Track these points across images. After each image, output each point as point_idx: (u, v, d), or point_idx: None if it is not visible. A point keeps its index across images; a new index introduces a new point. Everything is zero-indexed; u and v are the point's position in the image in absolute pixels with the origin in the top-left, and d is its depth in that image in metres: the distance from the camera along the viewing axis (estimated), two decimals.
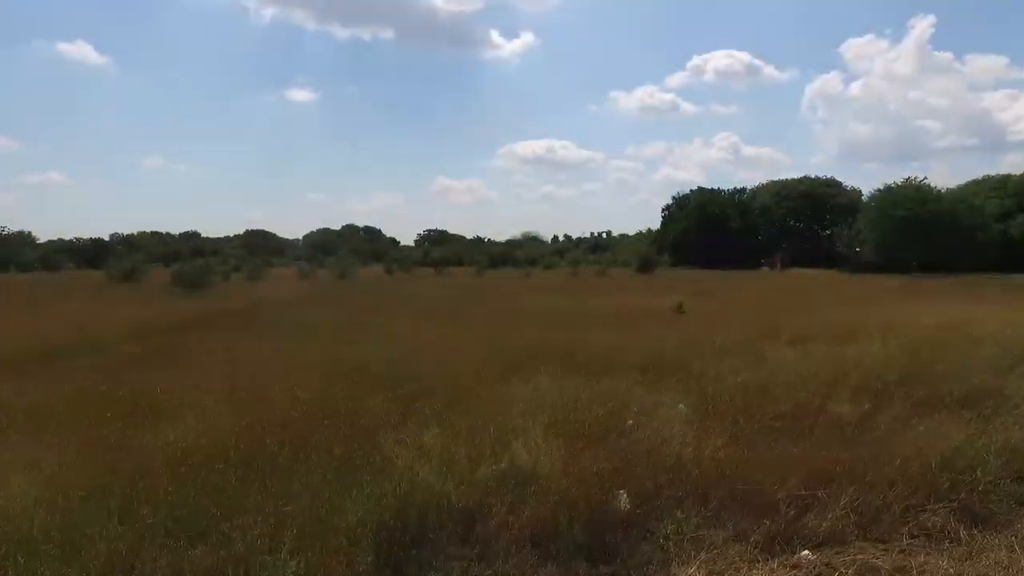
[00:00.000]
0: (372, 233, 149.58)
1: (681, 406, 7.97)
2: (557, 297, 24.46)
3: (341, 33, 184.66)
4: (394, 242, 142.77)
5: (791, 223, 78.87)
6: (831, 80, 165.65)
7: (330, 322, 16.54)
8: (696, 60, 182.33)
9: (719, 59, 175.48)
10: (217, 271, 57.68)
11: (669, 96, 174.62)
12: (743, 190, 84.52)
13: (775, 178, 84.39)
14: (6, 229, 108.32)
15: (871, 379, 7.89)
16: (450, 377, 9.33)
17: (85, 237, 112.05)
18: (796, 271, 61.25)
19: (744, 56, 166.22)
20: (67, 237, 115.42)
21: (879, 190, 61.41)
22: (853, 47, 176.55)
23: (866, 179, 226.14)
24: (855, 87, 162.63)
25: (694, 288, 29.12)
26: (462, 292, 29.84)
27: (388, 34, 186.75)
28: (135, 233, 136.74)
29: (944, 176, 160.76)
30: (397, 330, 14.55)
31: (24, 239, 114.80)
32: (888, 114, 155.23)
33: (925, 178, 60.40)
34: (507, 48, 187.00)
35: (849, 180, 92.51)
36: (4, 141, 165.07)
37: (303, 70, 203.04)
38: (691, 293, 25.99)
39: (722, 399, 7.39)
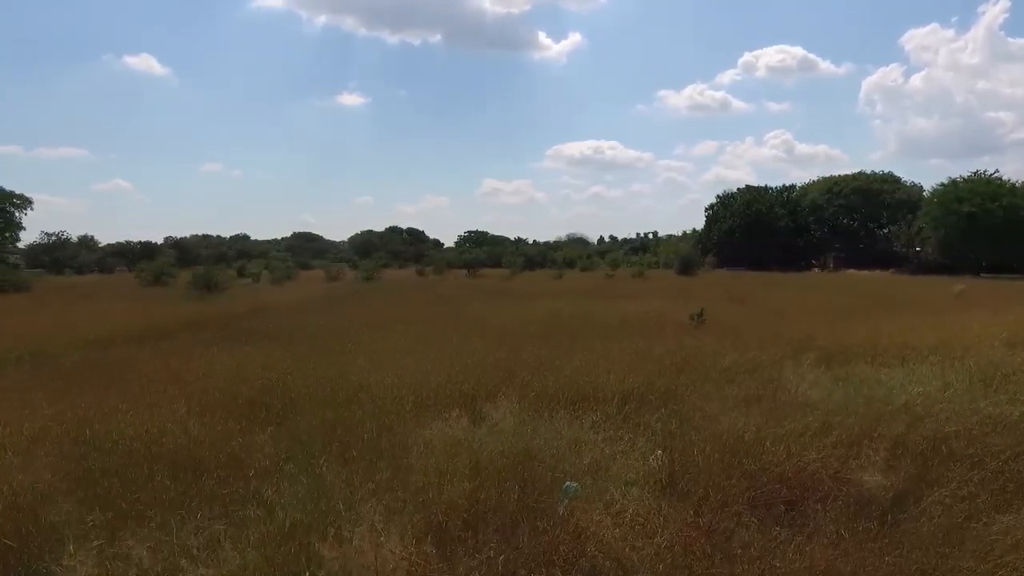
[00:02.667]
0: (415, 235, 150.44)
1: (658, 453, 6.05)
2: (571, 302, 22.45)
3: (391, 39, 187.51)
4: (437, 244, 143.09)
5: (844, 221, 74.31)
6: (890, 73, 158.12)
7: (306, 329, 15.04)
8: (747, 57, 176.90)
9: (771, 55, 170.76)
10: (250, 273, 57.95)
11: (719, 94, 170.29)
12: (792, 187, 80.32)
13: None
14: (65, 234, 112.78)
15: (920, 429, 5.71)
16: (380, 404, 7.61)
17: (146, 241, 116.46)
18: (849, 272, 57.26)
19: (798, 51, 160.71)
20: (131, 240, 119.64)
21: (943, 184, 56.87)
22: (914, 38, 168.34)
23: (929, 175, 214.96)
24: (916, 79, 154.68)
25: (730, 292, 26.63)
26: (472, 294, 28.11)
27: (436, 38, 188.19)
28: (187, 236, 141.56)
29: (1019, 171, 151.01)
30: (365, 340, 12.88)
31: (86, 243, 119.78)
32: (954, 106, 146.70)
33: (996, 171, 55.58)
34: (554, 49, 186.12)
35: (911, 177, 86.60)
36: (77, 151, 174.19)
37: (354, 75, 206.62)
38: (724, 297, 23.61)
39: (701, 452, 5.41)
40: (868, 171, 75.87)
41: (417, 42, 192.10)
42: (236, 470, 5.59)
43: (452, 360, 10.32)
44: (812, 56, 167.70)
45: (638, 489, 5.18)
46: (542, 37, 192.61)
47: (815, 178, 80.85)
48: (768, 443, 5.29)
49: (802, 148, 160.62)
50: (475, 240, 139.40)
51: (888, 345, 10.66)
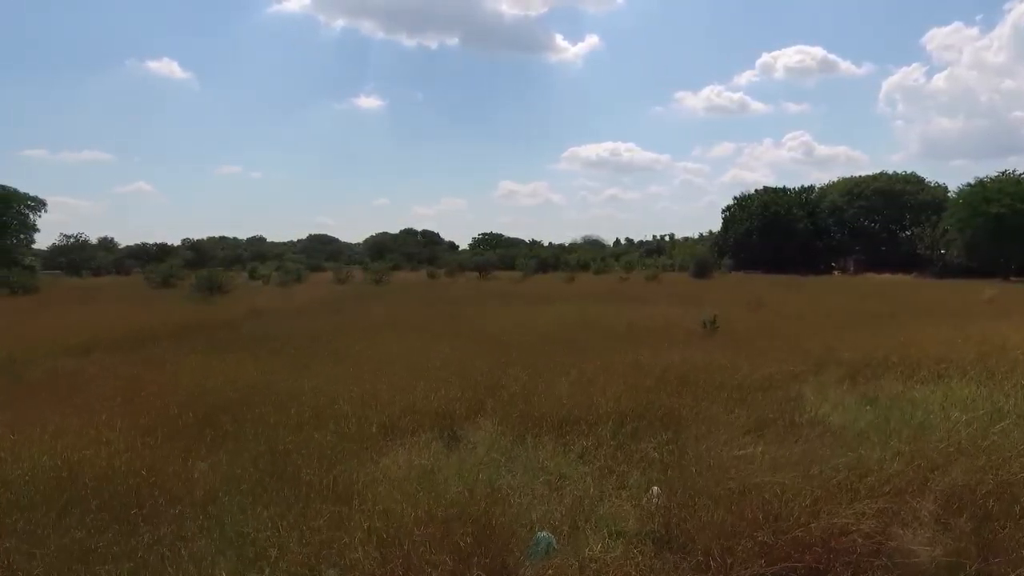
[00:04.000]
0: (430, 237, 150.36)
1: (655, 490, 5.13)
2: (579, 306, 21.49)
3: (408, 41, 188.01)
4: (452, 246, 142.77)
5: (865, 223, 72.36)
6: (912, 73, 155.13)
7: (294, 335, 14.24)
8: (766, 57, 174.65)
9: (790, 55, 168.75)
10: (259, 274, 57.58)
11: (737, 95, 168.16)
12: (811, 188, 78.52)
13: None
14: (83, 235, 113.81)
15: (974, 471, 4.67)
16: (346, 425, 6.75)
17: (162, 243, 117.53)
18: (870, 276, 55.61)
19: (817, 51, 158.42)
20: (147, 242, 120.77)
21: (969, 185, 54.97)
22: (937, 37, 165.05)
23: (952, 176, 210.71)
24: (939, 79, 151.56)
25: (746, 296, 25.49)
26: (478, 297, 27.20)
27: (453, 41, 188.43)
28: (204, 238, 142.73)
29: None
30: (352, 348, 12.04)
31: (105, 245, 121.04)
32: (978, 106, 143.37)
33: None
34: (571, 51, 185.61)
35: (933, 178, 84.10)
36: (101, 155, 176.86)
37: (371, 78, 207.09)
38: (740, 302, 22.52)
39: (703, 494, 4.48)
40: (890, 172, 74.04)
41: (434, 45, 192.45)
42: (157, 509, 4.77)
43: (438, 372, 9.45)
44: (832, 57, 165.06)
45: (626, 543, 4.26)
46: (559, 39, 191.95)
47: (835, 179, 79.09)
48: (785, 489, 4.31)
49: (821, 150, 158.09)
50: (489, 242, 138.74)
51: (920, 358, 9.60)
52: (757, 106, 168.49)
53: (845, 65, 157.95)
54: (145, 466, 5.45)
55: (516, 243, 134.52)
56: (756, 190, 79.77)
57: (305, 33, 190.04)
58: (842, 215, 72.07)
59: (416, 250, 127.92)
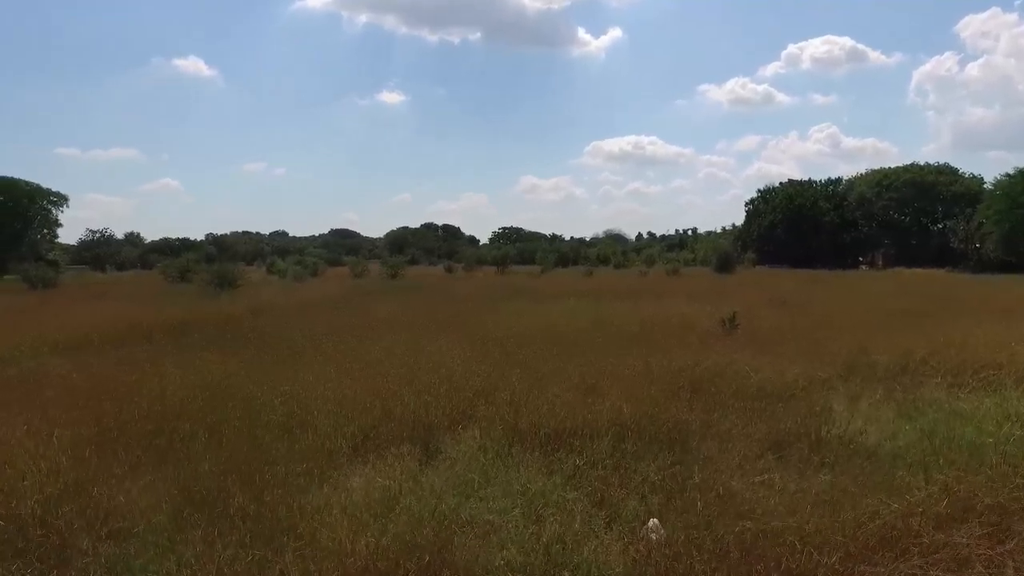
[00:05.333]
0: (450, 231, 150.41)
1: (653, 523, 4.32)
2: (594, 303, 20.59)
3: (430, 37, 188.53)
4: (473, 240, 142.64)
5: (895, 216, 70.02)
6: (944, 62, 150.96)
7: (291, 333, 13.60)
8: (791, 49, 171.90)
9: (817, 46, 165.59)
10: (277, 269, 57.45)
11: (762, 87, 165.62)
12: (838, 180, 76.30)
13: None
14: (108, 231, 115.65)
15: None
16: (318, 434, 6.02)
17: (184, 238, 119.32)
18: (899, 270, 53.68)
19: (845, 41, 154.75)
20: (167, 238, 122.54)
21: (1007, 175, 52.67)
22: (972, 24, 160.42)
23: (988, 168, 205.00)
24: (973, 68, 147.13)
25: (768, 291, 24.34)
26: (492, 292, 26.38)
27: (476, 36, 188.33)
28: (227, 233, 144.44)
29: None
30: (346, 347, 11.32)
31: (131, 240, 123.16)
32: (1016, 95, 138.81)
33: None
34: (594, 45, 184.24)
35: (968, 169, 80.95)
36: (129, 152, 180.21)
37: (394, 74, 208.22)
38: (762, 298, 21.42)
39: (711, 534, 3.64)
40: (922, 163, 71.56)
41: (457, 40, 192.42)
42: (60, 549, 4.07)
43: (429, 374, 8.68)
44: (861, 47, 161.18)
45: None
46: (581, 33, 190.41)
47: (863, 171, 76.79)
48: (808, 538, 3.44)
49: (849, 142, 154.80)
50: (509, 237, 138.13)
51: (964, 362, 8.58)
52: (782, 98, 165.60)
53: (875, 55, 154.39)
54: (67, 490, 4.75)
55: (536, 238, 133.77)
56: (781, 183, 77.86)
57: (328, 29, 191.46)
58: (871, 208, 69.81)
59: (435, 244, 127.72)
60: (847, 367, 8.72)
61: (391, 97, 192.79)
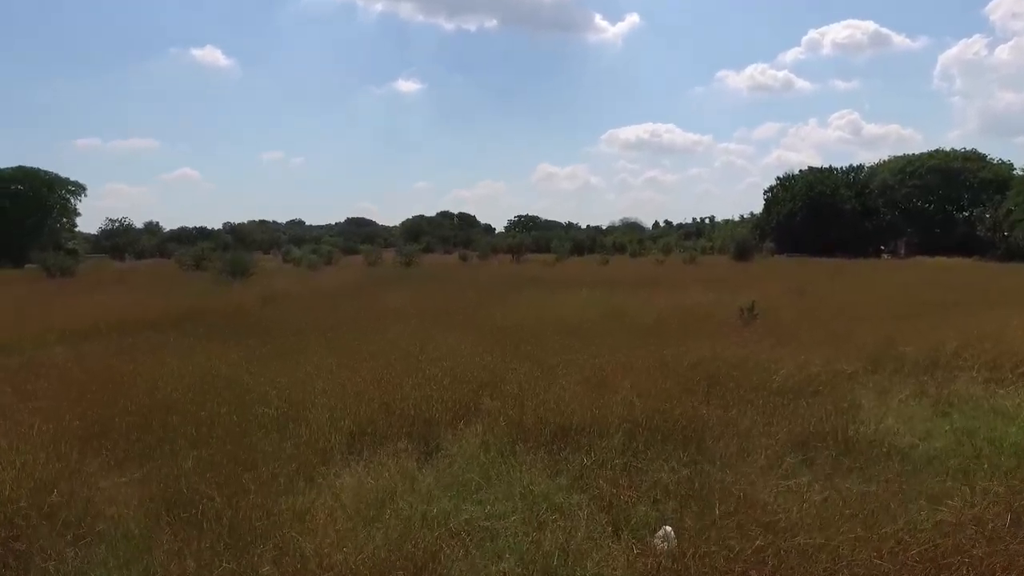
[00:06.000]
0: (466, 219, 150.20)
1: (665, 531, 3.95)
2: (609, 291, 20.12)
3: (447, 24, 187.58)
4: (489, 228, 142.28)
5: (918, 204, 68.34)
6: (972, 45, 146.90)
7: (297, 322, 13.34)
8: (812, 34, 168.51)
9: (838, 31, 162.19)
10: (292, 257, 57.49)
11: (782, 73, 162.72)
12: (860, 168, 74.59)
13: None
14: (127, 220, 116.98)
15: None
16: (313, 429, 5.69)
17: (201, 226, 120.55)
18: (922, 259, 52.43)
19: (868, 25, 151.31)
20: (185, 227, 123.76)
21: None
22: (1002, 5, 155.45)
23: (1019, 154, 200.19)
24: (1003, 51, 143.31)
25: (788, 280, 23.70)
26: (506, 281, 25.98)
27: (492, 23, 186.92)
28: (245, 222, 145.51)
29: None
30: (352, 337, 11.01)
31: (150, 229, 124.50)
32: None
33: None
34: (611, 31, 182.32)
35: (996, 155, 78.50)
36: (148, 142, 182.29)
37: (411, 62, 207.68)
38: (782, 287, 20.82)
39: (721, 557, 3.25)
40: (948, 148, 69.66)
41: (473, 27, 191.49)
42: (48, 539, 3.80)
43: (434, 365, 8.33)
44: (885, 30, 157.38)
45: None
46: (598, 19, 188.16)
47: (885, 158, 75.01)
48: (840, 558, 3.04)
49: (871, 128, 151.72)
50: (525, 225, 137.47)
51: (1001, 355, 8.06)
52: (803, 84, 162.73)
53: (899, 39, 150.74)
54: (39, 488, 4.47)
55: (552, 226, 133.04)
56: (800, 170, 76.32)
57: (344, 18, 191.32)
58: (893, 195, 68.17)
59: (451, 232, 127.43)
60: (873, 360, 8.24)
61: (407, 85, 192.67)
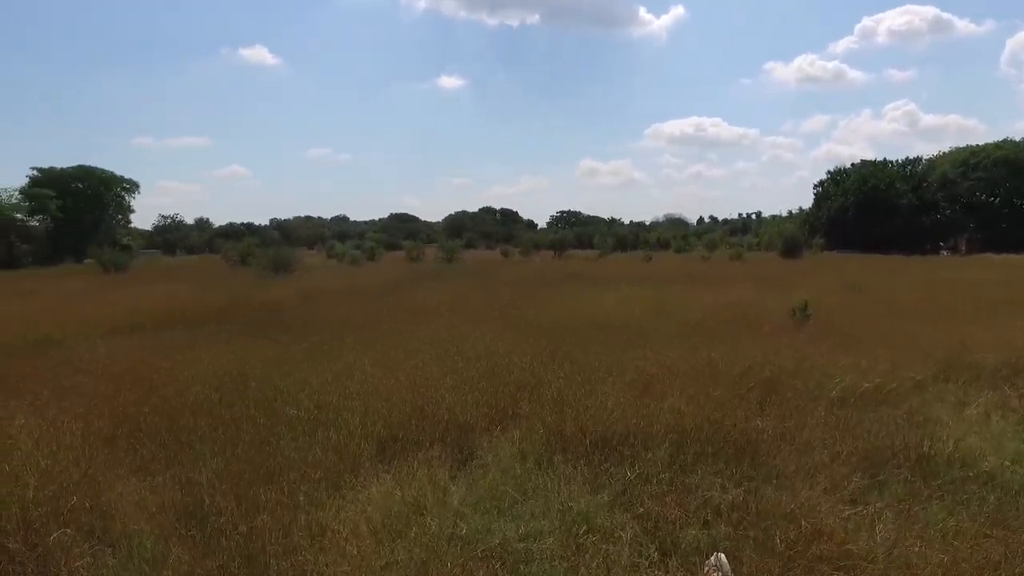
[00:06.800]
0: (508, 215, 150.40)
1: (717, 558, 3.56)
2: (653, 289, 19.54)
3: (489, 20, 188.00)
4: (531, 224, 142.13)
5: (982, 198, 64.95)
6: None
7: (335, 320, 13.26)
8: (866, 22, 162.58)
9: (894, 18, 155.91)
10: (335, 253, 58.26)
11: (832, 64, 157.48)
12: (917, 160, 71.38)
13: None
14: (179, 216, 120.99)
15: None
16: (346, 432, 5.45)
17: (248, 222, 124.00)
18: (987, 257, 49.81)
19: (928, 11, 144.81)
20: (233, 223, 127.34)
21: None
22: None
23: None
24: None
25: (841, 278, 22.66)
26: (547, 277, 25.59)
27: (535, 18, 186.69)
28: (290, 218, 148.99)
29: None
30: (389, 335, 10.82)
31: (201, 225, 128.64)
32: None
33: None
34: (655, 24, 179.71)
35: None
36: (200, 140, 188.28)
37: (453, 58, 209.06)
38: (835, 285, 19.89)
39: None
40: (1017, 139, 65.93)
41: (515, 23, 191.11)
42: (66, 545, 3.64)
43: (470, 366, 8.04)
44: (946, 15, 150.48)
45: None
46: (642, 12, 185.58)
47: (945, 150, 71.57)
48: None
49: (928, 119, 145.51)
50: (567, 220, 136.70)
51: None
52: (855, 75, 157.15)
53: (962, 24, 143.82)
54: (62, 491, 4.34)
55: (595, 222, 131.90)
56: (853, 164, 73.52)
57: (388, 15, 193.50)
58: (955, 189, 64.93)
59: (493, 228, 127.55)
60: (944, 366, 7.57)
61: (450, 82, 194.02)
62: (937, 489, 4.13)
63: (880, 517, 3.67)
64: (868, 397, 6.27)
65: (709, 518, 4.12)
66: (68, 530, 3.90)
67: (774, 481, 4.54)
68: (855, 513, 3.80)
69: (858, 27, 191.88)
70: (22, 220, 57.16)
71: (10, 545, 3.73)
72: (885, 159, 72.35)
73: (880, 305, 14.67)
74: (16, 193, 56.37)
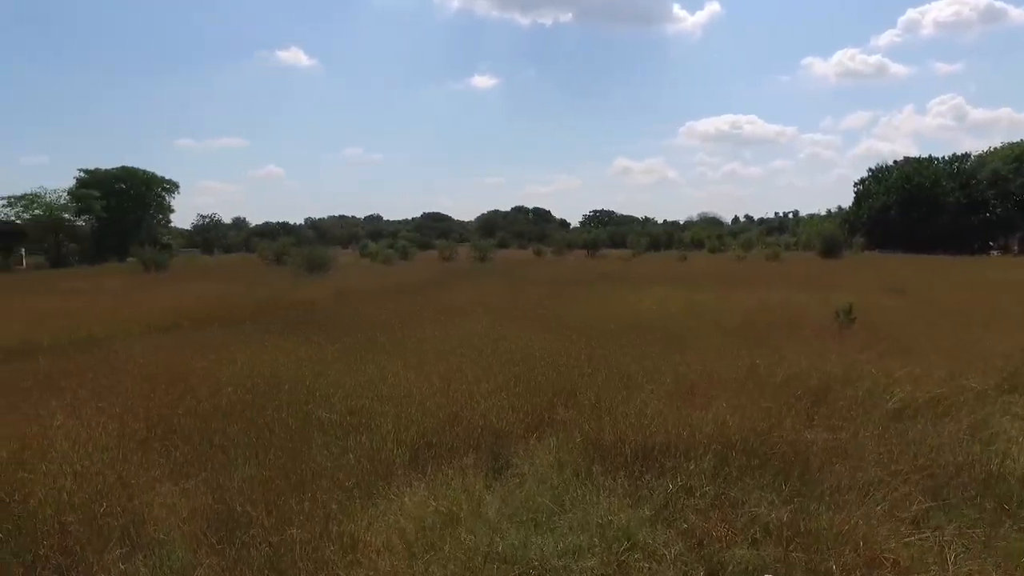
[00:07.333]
0: (540, 214, 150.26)
1: None
2: (688, 289, 19.14)
3: (522, 19, 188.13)
4: (564, 223, 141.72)
5: None
6: None
7: (367, 320, 13.25)
8: (911, 13, 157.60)
9: (941, 8, 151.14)
10: (369, 252, 58.81)
11: (874, 58, 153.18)
12: (965, 156, 68.91)
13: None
14: (216, 216, 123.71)
15: None
16: (378, 436, 5.35)
17: (284, 222, 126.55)
18: None
19: (980, 0, 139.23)
20: (269, 222, 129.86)
21: None
22: None
23: None
24: None
25: (884, 279, 21.90)
26: (579, 277, 25.32)
27: (567, 17, 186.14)
28: (325, 217, 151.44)
29: None
30: (420, 336, 10.73)
31: (238, 224, 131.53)
32: None
33: None
34: (689, 21, 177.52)
35: None
36: (237, 141, 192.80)
37: (486, 57, 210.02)
38: (879, 286, 19.22)
39: None
40: None
41: (548, 22, 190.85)
42: (96, 551, 3.61)
43: (505, 370, 7.88)
44: (999, 4, 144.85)
45: None
46: (676, 9, 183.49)
47: (997, 145, 68.91)
48: None
49: (977, 114, 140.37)
50: (600, 220, 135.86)
51: None
52: (898, 69, 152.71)
53: (1016, 13, 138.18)
54: (95, 495, 4.32)
55: (628, 221, 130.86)
56: (895, 161, 71.42)
57: (421, 15, 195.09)
58: (1007, 186, 62.39)
59: (526, 228, 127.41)
60: (1008, 375, 7.15)
61: (483, 81, 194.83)
62: (1010, 512, 3.83)
63: (952, 545, 3.40)
64: (925, 408, 5.93)
65: (757, 536, 3.90)
66: (101, 535, 3.88)
67: (826, 498, 4.28)
68: (920, 538, 3.53)
69: (901, 20, 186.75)
70: (70, 220, 59.11)
71: (42, 551, 3.71)
72: (930, 156, 70.16)
73: (929, 308, 14.08)
74: (64, 194, 58.31)
